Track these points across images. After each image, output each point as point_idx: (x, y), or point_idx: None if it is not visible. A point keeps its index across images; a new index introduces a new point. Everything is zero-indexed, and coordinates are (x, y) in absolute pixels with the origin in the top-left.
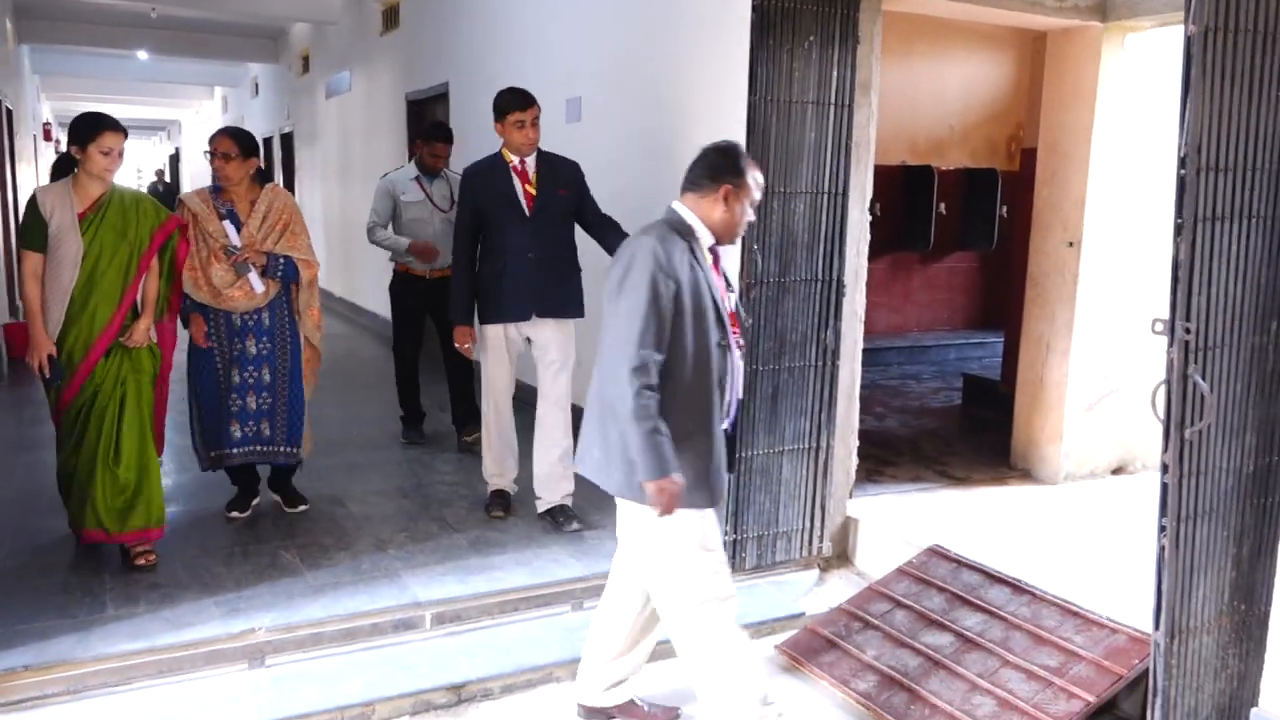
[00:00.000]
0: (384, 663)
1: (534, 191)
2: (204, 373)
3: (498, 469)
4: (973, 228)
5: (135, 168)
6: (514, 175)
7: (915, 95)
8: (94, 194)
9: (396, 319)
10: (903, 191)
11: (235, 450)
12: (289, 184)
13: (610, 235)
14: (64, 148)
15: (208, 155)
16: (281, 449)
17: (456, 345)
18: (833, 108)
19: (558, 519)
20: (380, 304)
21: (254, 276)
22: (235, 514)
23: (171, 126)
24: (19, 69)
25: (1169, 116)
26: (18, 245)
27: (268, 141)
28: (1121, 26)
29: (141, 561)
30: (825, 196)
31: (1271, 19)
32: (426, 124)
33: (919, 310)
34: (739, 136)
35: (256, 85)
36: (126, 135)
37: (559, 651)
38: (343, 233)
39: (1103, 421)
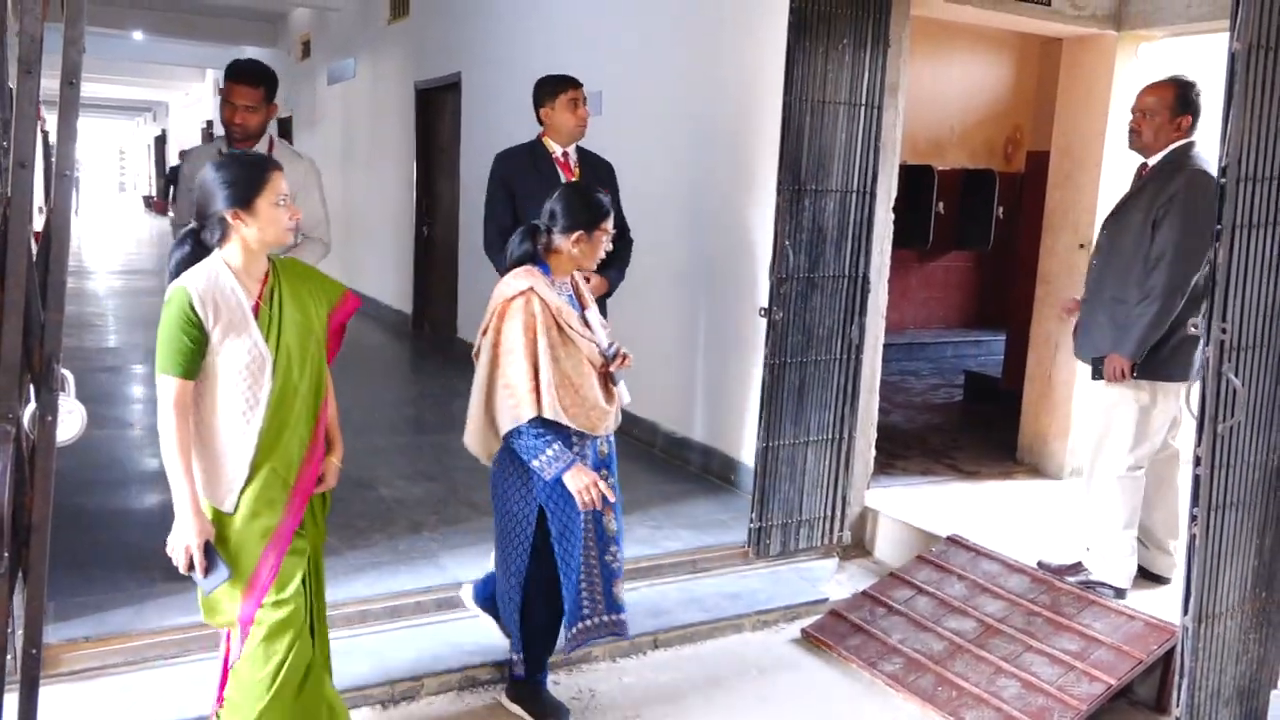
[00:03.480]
0: (430, 639)
1: None
2: (580, 524)
3: None
4: (970, 227)
5: (118, 148)
6: (559, 168)
7: (916, 96)
8: (261, 271)
9: None
10: (903, 190)
11: (617, 618)
12: None
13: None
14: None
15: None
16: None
17: None
18: (863, 108)
19: None
20: (381, 290)
21: (624, 385)
22: None
23: (158, 108)
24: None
25: None
26: (160, 368)
27: None
28: (1135, 36)
29: None
30: (854, 195)
31: None
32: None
33: (916, 308)
34: (769, 134)
35: None
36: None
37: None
38: (344, 218)
39: None
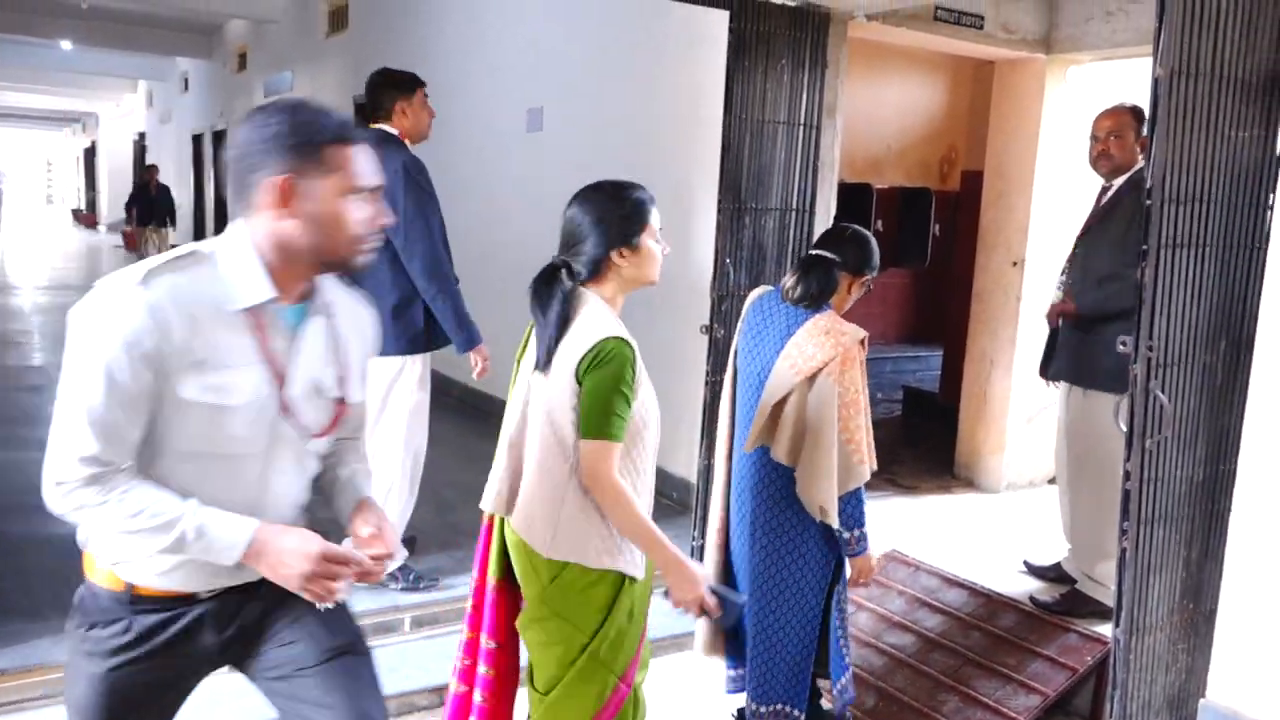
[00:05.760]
0: None
1: None
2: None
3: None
4: (908, 245)
5: (45, 160)
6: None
7: (854, 116)
8: None
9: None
10: (841, 209)
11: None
12: (220, 183)
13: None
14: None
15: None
16: None
17: (479, 366)
18: (802, 128)
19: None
20: None
21: None
22: None
23: (88, 119)
24: None
25: None
26: (586, 432)
27: (198, 139)
28: (1064, 59)
29: None
30: (794, 214)
31: (1227, 64)
32: None
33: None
34: (711, 152)
35: (186, 81)
36: None
37: None
38: None
39: (1041, 434)
